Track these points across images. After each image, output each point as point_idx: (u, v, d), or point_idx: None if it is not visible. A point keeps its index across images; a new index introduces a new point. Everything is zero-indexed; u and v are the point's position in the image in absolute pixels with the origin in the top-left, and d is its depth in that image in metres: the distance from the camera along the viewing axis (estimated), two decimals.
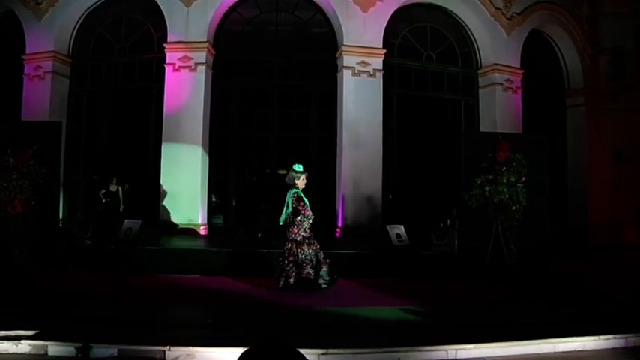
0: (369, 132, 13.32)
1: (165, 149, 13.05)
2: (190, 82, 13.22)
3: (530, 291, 8.10)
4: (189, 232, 12.69)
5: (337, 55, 13.88)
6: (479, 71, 15.04)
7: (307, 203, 7.84)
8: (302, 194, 7.87)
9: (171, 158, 12.98)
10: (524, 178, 9.70)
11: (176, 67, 13.23)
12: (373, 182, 13.20)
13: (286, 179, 8.12)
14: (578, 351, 5.31)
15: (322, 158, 13.95)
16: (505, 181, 9.64)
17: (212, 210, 13.81)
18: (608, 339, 5.47)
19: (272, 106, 14.06)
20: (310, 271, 7.69)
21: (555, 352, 5.28)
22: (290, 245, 7.79)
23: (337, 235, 13.07)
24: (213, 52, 13.70)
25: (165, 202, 12.92)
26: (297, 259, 7.73)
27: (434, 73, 14.67)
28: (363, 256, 9.60)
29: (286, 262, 7.76)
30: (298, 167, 8.05)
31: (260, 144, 14.01)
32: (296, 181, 7.89)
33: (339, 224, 13.10)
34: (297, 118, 14.08)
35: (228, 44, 14.02)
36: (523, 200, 9.63)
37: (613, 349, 5.36)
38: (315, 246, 7.84)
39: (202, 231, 13.04)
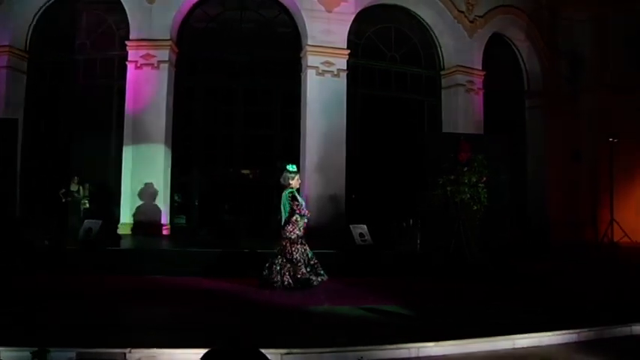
0: (333, 132, 13.39)
1: (127, 148, 12.85)
2: (153, 81, 13.06)
3: (492, 290, 8.22)
4: (151, 232, 12.53)
5: (301, 55, 13.89)
6: (442, 72, 15.25)
7: (302, 202, 7.98)
8: (297, 193, 7.98)
9: (134, 157, 12.79)
10: (485, 179, 9.87)
11: (138, 65, 13.04)
12: (337, 182, 13.27)
13: (281, 180, 8.19)
14: (535, 347, 5.43)
15: (286, 157, 13.86)
16: (466, 181, 9.78)
17: (175, 210, 13.70)
18: (563, 334, 5.61)
19: (236, 105, 13.99)
20: (305, 270, 7.78)
21: (514, 348, 5.39)
22: (285, 244, 7.87)
23: None
24: (177, 50, 13.57)
25: (127, 202, 12.73)
26: (292, 257, 7.81)
27: (397, 73, 14.82)
28: (326, 255, 9.57)
29: (283, 260, 7.81)
30: (292, 167, 8.16)
31: (224, 142, 13.93)
32: (290, 181, 8.00)
33: None
34: (261, 116, 14.05)
35: (191, 42, 13.92)
36: (484, 200, 9.80)
37: (567, 343, 5.56)
38: (306, 245, 7.94)
39: (165, 231, 12.90)
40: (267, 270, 7.89)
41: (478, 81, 15.05)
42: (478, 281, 8.90)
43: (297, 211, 7.87)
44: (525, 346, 5.45)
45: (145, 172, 12.76)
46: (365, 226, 10.73)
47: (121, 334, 5.30)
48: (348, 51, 13.75)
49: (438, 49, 15.24)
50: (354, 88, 14.06)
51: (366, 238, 10.49)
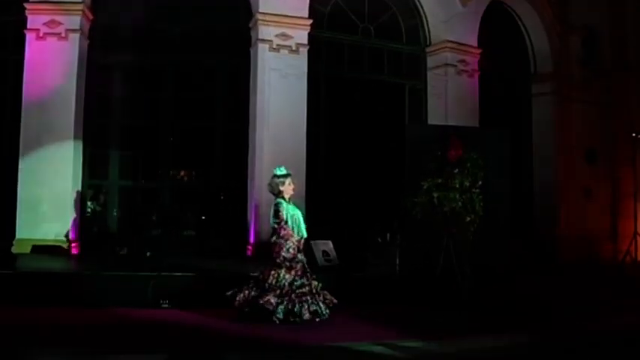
0: (290, 123, 13.32)
1: (25, 144, 12.54)
2: (60, 55, 12.75)
3: (478, 320, 8.31)
4: (56, 250, 12.24)
5: (251, 25, 13.77)
6: (427, 49, 15.26)
7: (294, 214, 8.01)
8: (284, 205, 8.01)
9: (33, 156, 12.48)
10: (480, 182, 9.90)
11: (40, 35, 12.73)
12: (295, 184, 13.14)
13: (268, 188, 8.41)
14: None
15: (231, 156, 13.75)
16: (458, 185, 9.83)
17: (87, 222, 13.43)
18: None
19: (166, 89, 13.77)
20: (272, 300, 7.76)
21: None
22: (267, 266, 7.96)
23: (249, 253, 12.92)
24: (91, 17, 13.30)
25: (24, 213, 12.41)
26: (266, 283, 7.84)
27: (372, 50, 14.82)
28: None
29: (251, 283, 7.91)
30: (280, 170, 8.31)
31: (151, 137, 13.74)
32: (280, 188, 8.05)
33: (251, 239, 12.95)
34: (198, 104, 13.88)
35: (109, 7, 13.66)
36: (479, 209, 9.78)
37: None
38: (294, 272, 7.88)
39: (73, 249, 12.61)
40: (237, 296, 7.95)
41: (473, 61, 15.09)
42: (468, 309, 9.00)
43: (278, 231, 7.95)
44: None
45: (48, 176, 12.45)
46: (330, 243, 10.70)
47: None
48: (310, 21, 13.67)
49: (423, 20, 15.30)
50: (316, 67, 13.99)
51: (332, 257, 10.46)
